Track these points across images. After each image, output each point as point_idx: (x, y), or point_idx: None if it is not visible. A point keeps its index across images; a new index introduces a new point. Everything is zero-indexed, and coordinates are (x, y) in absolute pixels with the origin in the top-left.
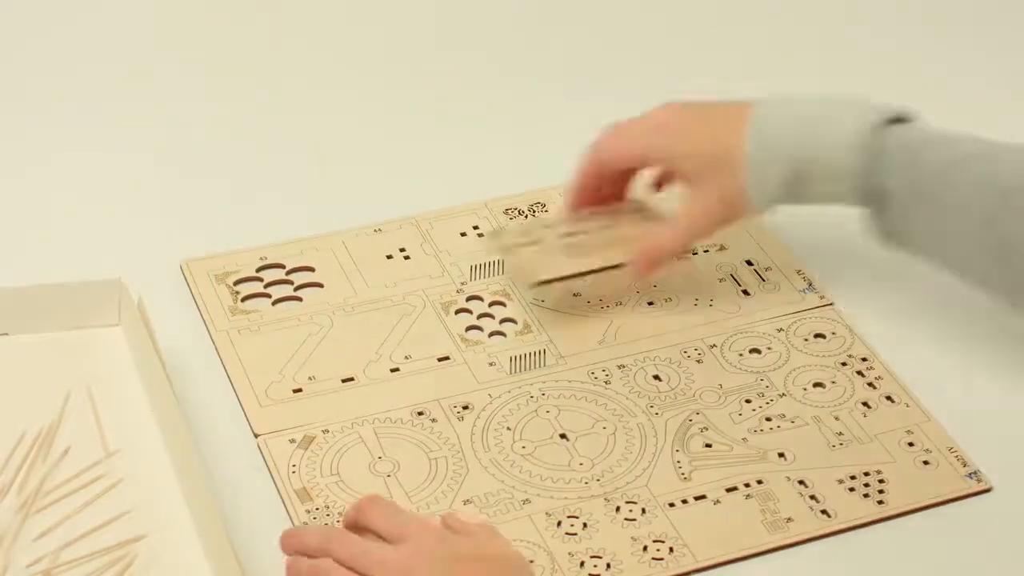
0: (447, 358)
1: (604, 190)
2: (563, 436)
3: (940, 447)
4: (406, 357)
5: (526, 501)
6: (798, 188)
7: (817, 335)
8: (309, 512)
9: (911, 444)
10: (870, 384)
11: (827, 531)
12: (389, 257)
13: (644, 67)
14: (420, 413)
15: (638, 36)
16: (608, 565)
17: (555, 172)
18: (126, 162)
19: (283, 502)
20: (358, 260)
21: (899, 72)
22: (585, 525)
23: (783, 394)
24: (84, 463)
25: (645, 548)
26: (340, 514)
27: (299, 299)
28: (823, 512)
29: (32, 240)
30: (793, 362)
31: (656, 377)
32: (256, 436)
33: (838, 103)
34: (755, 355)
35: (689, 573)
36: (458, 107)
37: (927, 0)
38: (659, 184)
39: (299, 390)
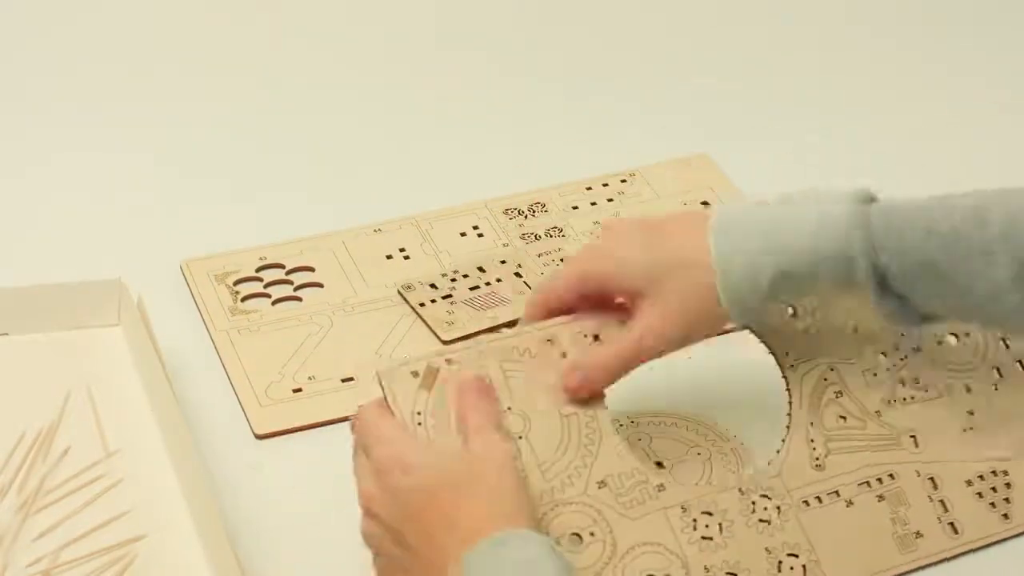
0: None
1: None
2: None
3: None
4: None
5: (660, 487)
6: (780, 283)
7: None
8: None
9: None
10: (1003, 339)
11: (955, 552)
12: (389, 257)
13: (644, 67)
14: (549, 341)
15: (638, 36)
16: None
17: (555, 172)
18: (126, 162)
19: None
20: (358, 260)
21: (899, 72)
22: (721, 527)
23: (916, 348)
24: (84, 463)
25: (779, 565)
26: None
27: (299, 299)
28: (951, 526)
29: (32, 240)
30: None
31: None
32: (256, 436)
33: (805, 196)
34: None
35: None
36: (458, 107)
37: (927, 0)
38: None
39: (299, 390)
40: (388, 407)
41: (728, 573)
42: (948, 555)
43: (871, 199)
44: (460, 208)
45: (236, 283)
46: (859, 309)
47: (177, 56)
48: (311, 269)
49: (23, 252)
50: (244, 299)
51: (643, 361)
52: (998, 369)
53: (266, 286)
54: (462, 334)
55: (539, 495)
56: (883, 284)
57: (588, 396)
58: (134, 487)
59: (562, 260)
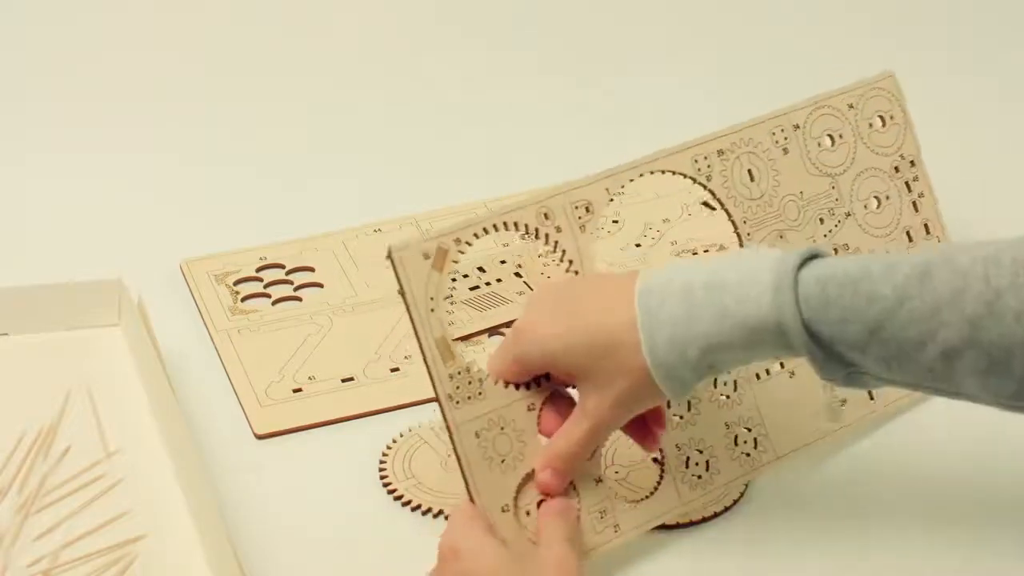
0: None
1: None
2: None
3: None
4: (406, 357)
5: None
6: (715, 355)
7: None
8: (452, 378)
9: None
10: (914, 204)
11: (874, 417)
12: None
13: (644, 67)
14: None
15: (639, 36)
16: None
17: (554, 173)
18: (126, 162)
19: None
20: (358, 260)
21: (900, 72)
22: (689, 404)
23: (848, 213)
24: (84, 463)
25: (735, 439)
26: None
27: (299, 299)
28: (868, 392)
29: (32, 240)
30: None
31: (750, 174)
32: (256, 436)
33: (740, 254)
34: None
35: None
36: (458, 107)
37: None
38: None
39: (299, 390)
40: (477, 513)
41: (696, 450)
42: (867, 420)
43: (814, 256)
44: (460, 208)
45: (236, 283)
46: None
47: (177, 57)
48: (311, 269)
49: (23, 252)
50: (244, 299)
51: (597, 444)
52: (908, 233)
53: (266, 286)
54: (462, 334)
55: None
56: (825, 354)
57: (562, 486)
58: (134, 487)
59: (561, 260)
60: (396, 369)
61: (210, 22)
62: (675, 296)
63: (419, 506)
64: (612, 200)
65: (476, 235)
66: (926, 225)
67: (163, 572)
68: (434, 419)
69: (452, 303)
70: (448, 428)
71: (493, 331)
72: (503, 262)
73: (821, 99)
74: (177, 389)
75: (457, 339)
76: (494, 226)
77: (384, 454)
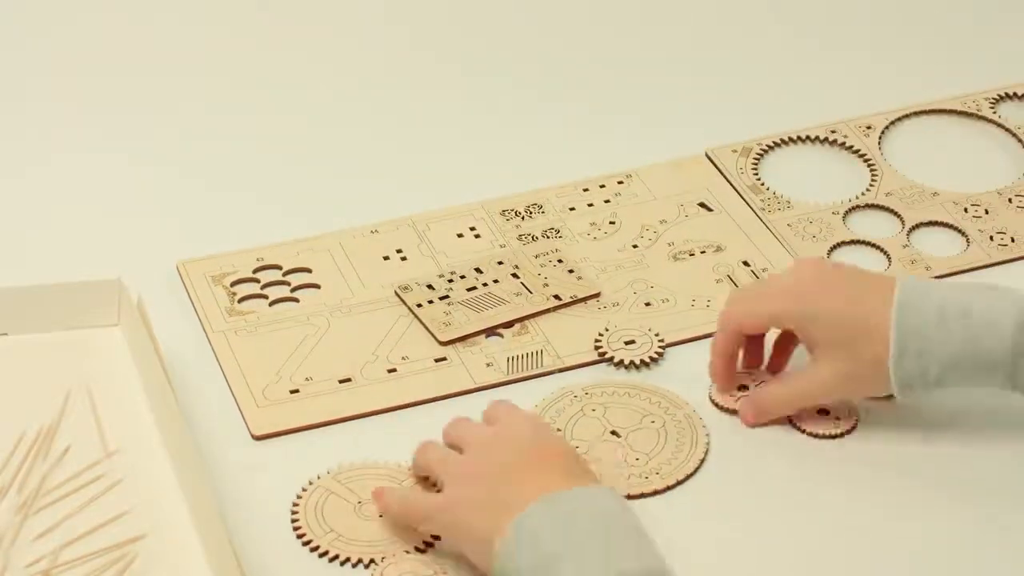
0: (444, 359)
1: (745, 356)
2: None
3: None
4: (403, 358)
5: None
6: (950, 375)
7: None
8: None
9: None
10: None
11: None
12: (386, 258)
13: (641, 68)
14: None
15: (635, 37)
16: None
17: (552, 173)
18: (124, 163)
19: None
20: (355, 261)
21: (898, 72)
22: None
23: None
24: (84, 463)
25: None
26: None
27: (296, 300)
28: None
29: (32, 240)
30: None
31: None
32: (254, 437)
33: (986, 288)
34: None
35: None
36: (455, 108)
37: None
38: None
39: (296, 391)
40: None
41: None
42: None
43: None
44: (457, 209)
45: (233, 284)
46: None
47: (175, 58)
48: (308, 270)
49: (23, 252)
50: (241, 300)
51: (804, 403)
52: None
53: (263, 287)
54: (460, 335)
55: None
56: None
57: (754, 425)
58: (134, 487)
59: (559, 261)
60: (393, 370)
61: (208, 25)
62: (930, 315)
63: (347, 559)
64: None
65: None
66: None
67: (163, 572)
68: (335, 470)
69: (449, 304)
70: None
71: (491, 331)
72: (500, 263)
73: None
74: (175, 390)
75: (456, 339)
76: None
77: (295, 505)
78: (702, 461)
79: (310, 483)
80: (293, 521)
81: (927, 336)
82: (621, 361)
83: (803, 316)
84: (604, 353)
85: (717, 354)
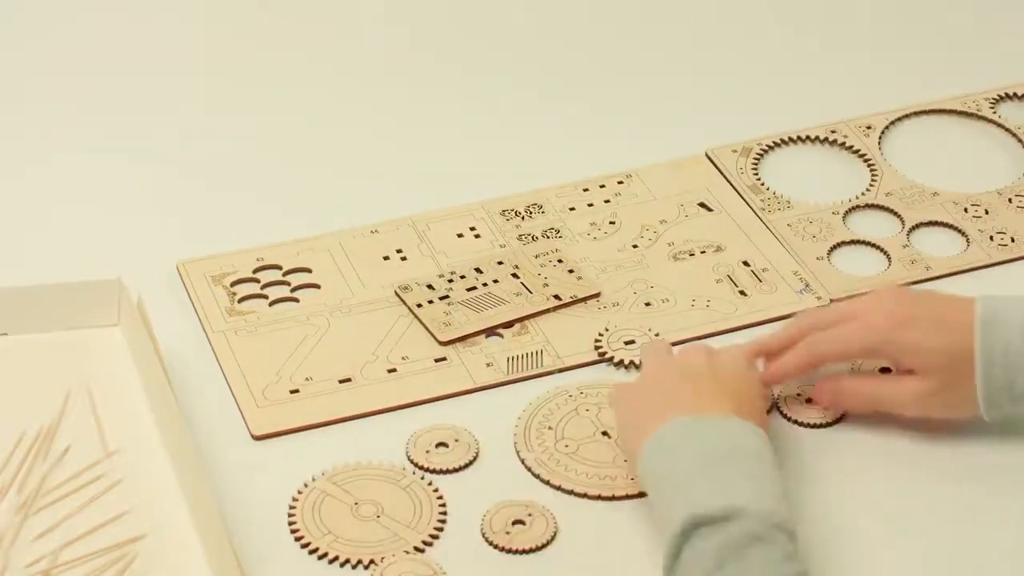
0: (444, 359)
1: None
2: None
3: None
4: (403, 358)
5: None
6: None
7: None
8: None
9: None
10: None
11: None
12: (386, 258)
13: (641, 68)
14: None
15: (635, 37)
16: None
17: (552, 173)
18: (124, 163)
19: None
20: (355, 261)
21: (898, 72)
22: None
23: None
24: (84, 463)
25: None
26: None
27: (296, 300)
28: None
29: (32, 240)
30: None
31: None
32: (253, 437)
33: None
34: None
35: None
36: (455, 108)
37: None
38: None
39: (296, 391)
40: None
41: None
42: None
43: None
44: (457, 209)
45: (233, 284)
46: None
47: (175, 58)
48: (308, 270)
49: (23, 252)
50: (241, 300)
51: (881, 408)
52: None
53: (263, 287)
54: (460, 335)
55: None
56: None
57: (829, 408)
58: (134, 487)
59: (559, 261)
60: (393, 370)
61: (208, 25)
62: (1013, 328)
63: (347, 560)
64: None
65: None
66: None
67: (163, 572)
68: (330, 472)
69: (449, 304)
70: None
71: (491, 331)
72: (500, 263)
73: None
74: (175, 390)
75: (456, 339)
76: None
77: (291, 508)
78: None
79: (305, 486)
80: (290, 524)
81: (1011, 351)
82: (621, 361)
83: (895, 350)
84: (604, 353)
85: (786, 376)
